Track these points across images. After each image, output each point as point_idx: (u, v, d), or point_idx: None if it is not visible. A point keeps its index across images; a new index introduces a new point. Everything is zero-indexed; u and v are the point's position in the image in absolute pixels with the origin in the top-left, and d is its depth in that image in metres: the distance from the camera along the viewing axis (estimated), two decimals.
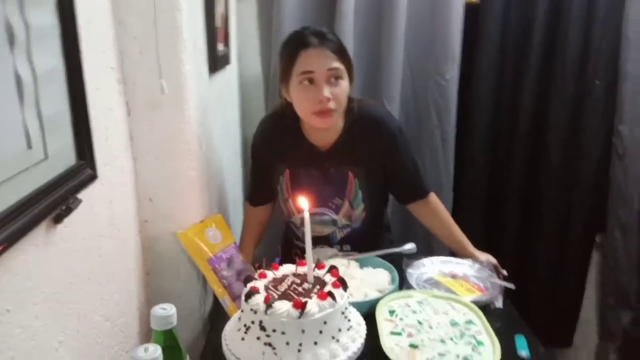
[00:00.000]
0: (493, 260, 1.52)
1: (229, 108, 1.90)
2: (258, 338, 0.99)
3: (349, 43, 1.87)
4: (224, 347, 1.05)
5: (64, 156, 0.83)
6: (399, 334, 1.16)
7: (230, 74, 1.87)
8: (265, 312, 0.98)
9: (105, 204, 1.02)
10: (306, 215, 1.07)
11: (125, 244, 1.14)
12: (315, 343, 0.98)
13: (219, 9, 1.60)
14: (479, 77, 2.11)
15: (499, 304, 1.33)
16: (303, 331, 0.97)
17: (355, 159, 1.50)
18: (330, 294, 1.01)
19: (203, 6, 1.42)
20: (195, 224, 1.31)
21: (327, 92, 1.36)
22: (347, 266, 1.42)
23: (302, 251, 1.12)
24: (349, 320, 1.06)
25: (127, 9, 1.09)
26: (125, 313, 1.12)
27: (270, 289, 1.05)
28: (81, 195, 0.87)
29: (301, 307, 0.97)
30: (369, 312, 1.20)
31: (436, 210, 1.60)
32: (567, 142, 2.13)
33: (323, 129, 1.45)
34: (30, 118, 0.72)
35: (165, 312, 0.85)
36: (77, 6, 0.85)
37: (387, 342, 1.12)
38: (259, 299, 1.00)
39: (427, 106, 2.08)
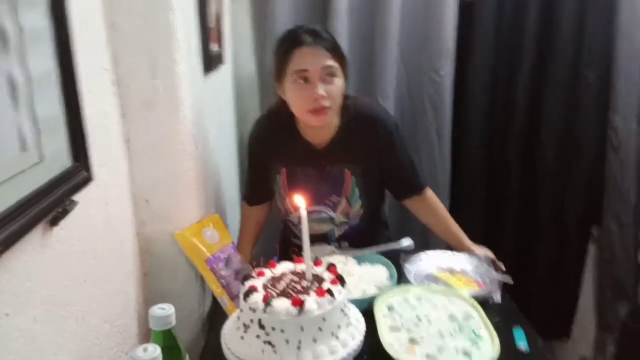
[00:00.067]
0: (490, 253, 1.53)
1: (224, 108, 1.90)
2: (257, 336, 0.99)
3: (343, 41, 1.87)
4: (224, 347, 1.05)
5: (59, 158, 0.83)
6: (398, 329, 1.16)
7: (224, 73, 1.87)
8: (264, 310, 0.98)
9: (101, 206, 1.02)
10: (303, 213, 1.08)
11: (122, 245, 1.14)
12: (315, 340, 0.98)
13: (212, 9, 1.60)
14: (474, 73, 2.12)
15: (497, 298, 1.33)
16: (302, 329, 0.97)
17: (351, 156, 1.50)
18: (328, 291, 1.01)
19: (196, 6, 1.42)
20: (193, 225, 1.31)
21: (321, 90, 1.37)
22: (345, 263, 1.42)
23: (300, 249, 1.12)
24: (348, 317, 1.06)
25: (120, 10, 1.09)
26: (124, 314, 1.12)
27: (269, 287, 1.05)
28: (77, 197, 0.87)
29: (300, 304, 0.97)
30: (367, 309, 1.20)
31: (432, 205, 1.61)
32: (562, 136, 2.14)
33: (318, 126, 1.45)
34: (24, 120, 0.72)
35: (164, 312, 0.85)
36: (69, 8, 0.85)
37: (387, 338, 1.12)
38: (257, 298, 1.00)
39: (423, 103, 2.08)
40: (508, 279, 1.40)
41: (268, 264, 1.14)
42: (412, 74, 2.08)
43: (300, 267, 1.12)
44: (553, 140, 2.15)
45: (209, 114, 1.48)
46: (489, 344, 1.10)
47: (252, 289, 1.03)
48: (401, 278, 1.39)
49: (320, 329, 0.99)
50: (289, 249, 1.64)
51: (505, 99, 2.15)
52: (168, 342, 0.85)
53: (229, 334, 1.07)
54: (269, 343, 0.98)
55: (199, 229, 1.32)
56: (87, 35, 0.96)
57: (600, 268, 2.29)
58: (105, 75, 1.07)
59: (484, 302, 1.29)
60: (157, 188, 1.23)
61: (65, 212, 0.82)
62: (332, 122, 1.47)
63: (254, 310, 0.99)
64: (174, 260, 1.29)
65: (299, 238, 1.59)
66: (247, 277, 1.10)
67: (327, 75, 1.38)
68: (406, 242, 1.52)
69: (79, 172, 0.88)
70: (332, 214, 1.55)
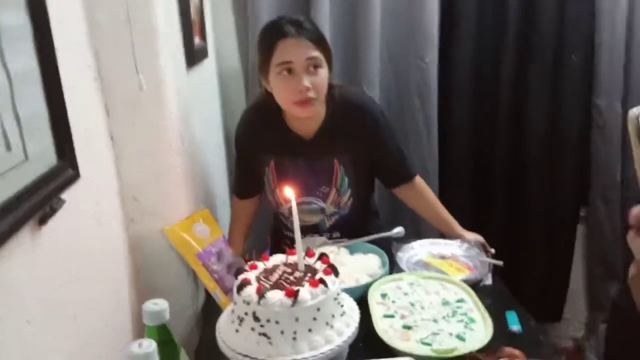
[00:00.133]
0: (480, 238, 1.54)
1: (210, 102, 1.89)
2: (252, 329, 0.99)
3: (326, 30, 1.86)
4: (219, 340, 1.05)
5: (45, 157, 0.82)
6: (392, 316, 1.17)
7: (208, 67, 1.85)
8: (258, 302, 0.98)
9: (89, 204, 1.01)
10: (293, 204, 1.07)
11: (112, 243, 1.13)
12: (310, 330, 0.99)
13: (194, 1, 1.58)
14: (458, 58, 2.12)
15: (488, 281, 1.35)
16: (297, 319, 0.97)
17: (339, 146, 1.50)
18: (321, 280, 1.01)
19: None
20: (183, 220, 1.30)
21: (306, 81, 1.36)
22: (337, 253, 1.42)
23: (292, 241, 1.12)
24: (342, 306, 1.06)
25: (100, 6, 1.07)
26: (117, 312, 1.11)
27: (262, 280, 1.05)
28: (64, 195, 0.86)
29: (294, 295, 0.97)
30: (361, 297, 1.20)
31: (422, 192, 1.62)
32: (548, 119, 2.15)
33: (305, 118, 1.45)
34: (7, 120, 0.71)
35: (157, 307, 0.85)
36: (48, 5, 0.83)
37: (381, 325, 1.13)
38: (251, 290, 1.00)
39: (409, 90, 2.08)
40: (499, 262, 1.41)
41: (260, 256, 1.14)
42: (397, 62, 2.07)
43: (292, 258, 1.12)
44: (539, 123, 2.16)
45: (194, 108, 1.46)
46: (482, 327, 1.12)
47: (246, 282, 1.03)
48: (393, 266, 1.40)
49: (314, 319, 0.99)
50: (281, 241, 1.64)
51: (490, 83, 2.15)
52: (163, 337, 0.85)
53: (224, 327, 1.07)
54: (264, 335, 0.98)
55: (189, 224, 1.31)
56: (67, 32, 0.94)
57: (590, 248, 2.32)
58: (88, 72, 1.06)
59: (476, 286, 1.30)
60: (145, 185, 1.22)
61: (53, 211, 0.81)
62: (318, 112, 1.47)
63: (248, 303, 0.99)
64: (165, 256, 1.28)
65: (290, 230, 1.59)
66: (239, 270, 1.10)
67: (312, 66, 1.37)
68: (397, 229, 1.52)
69: (65, 169, 0.87)
70: (322, 204, 1.55)
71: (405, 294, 1.25)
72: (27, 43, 0.79)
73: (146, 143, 1.19)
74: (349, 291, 1.17)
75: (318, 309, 0.99)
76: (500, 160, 2.22)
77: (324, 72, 1.40)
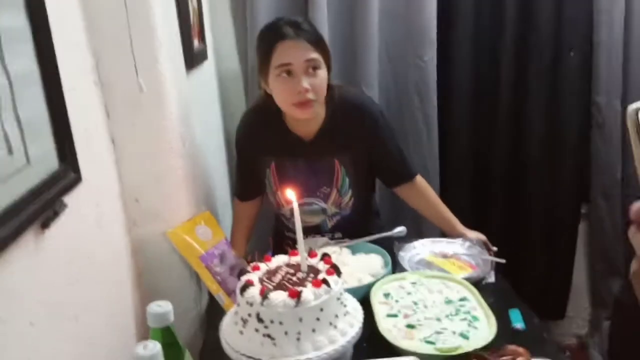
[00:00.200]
0: (482, 237, 1.54)
1: (210, 104, 1.89)
2: (256, 330, 0.99)
3: (324, 31, 1.86)
4: (223, 342, 1.04)
5: (47, 160, 0.82)
6: (395, 315, 1.17)
7: (208, 69, 1.85)
8: (262, 303, 0.98)
9: (91, 207, 1.01)
10: (295, 205, 1.07)
11: (115, 245, 1.13)
12: (314, 330, 0.98)
13: (192, 4, 1.58)
14: (457, 58, 2.12)
15: (491, 279, 1.35)
16: (300, 320, 0.97)
17: (339, 146, 1.50)
18: (324, 281, 1.01)
19: (175, 2, 1.40)
20: (185, 222, 1.30)
21: (305, 83, 1.36)
22: (340, 253, 1.42)
23: (294, 242, 1.12)
24: (345, 306, 1.06)
25: (99, 8, 1.07)
26: (120, 314, 1.11)
27: (265, 281, 1.05)
28: (66, 198, 0.86)
29: (297, 296, 0.97)
30: (364, 297, 1.20)
31: (423, 191, 1.62)
32: (548, 117, 2.15)
33: (305, 119, 1.45)
34: (8, 123, 0.71)
35: (161, 309, 0.85)
36: (47, 8, 0.83)
37: (384, 325, 1.13)
38: (254, 292, 1.00)
39: (408, 90, 2.08)
40: (501, 259, 1.41)
41: (263, 258, 1.14)
42: (396, 61, 2.08)
43: (295, 259, 1.12)
44: (539, 122, 2.16)
45: (194, 111, 1.46)
46: (486, 325, 1.12)
47: (249, 283, 1.03)
48: (395, 266, 1.40)
49: (318, 319, 0.99)
50: (283, 243, 1.64)
51: (489, 81, 2.15)
52: (167, 339, 0.84)
53: (228, 329, 1.07)
54: (268, 336, 0.98)
55: (191, 226, 1.31)
56: (67, 33, 0.94)
57: (591, 245, 2.32)
58: (88, 74, 1.06)
59: (478, 284, 1.30)
60: (147, 187, 1.22)
61: (56, 214, 0.81)
62: (318, 113, 1.47)
63: (251, 304, 0.99)
64: (167, 259, 1.28)
65: (292, 231, 1.59)
66: (242, 272, 1.10)
67: (311, 68, 1.37)
68: (398, 229, 1.52)
69: (67, 173, 0.87)
70: (323, 205, 1.55)
71: (408, 293, 1.25)
72: (27, 45, 0.79)
73: (147, 145, 1.19)
74: (352, 291, 1.17)
75: (321, 309, 0.99)
76: (500, 159, 2.22)
77: (322, 73, 1.40)
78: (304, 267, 1.08)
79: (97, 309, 0.99)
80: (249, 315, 1.00)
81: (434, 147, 2.13)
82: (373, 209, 1.72)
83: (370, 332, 1.09)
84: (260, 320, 0.98)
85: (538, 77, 2.11)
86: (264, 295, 0.98)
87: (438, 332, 1.10)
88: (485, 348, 1.03)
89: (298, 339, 0.98)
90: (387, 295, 1.25)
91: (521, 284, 1.77)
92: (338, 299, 1.03)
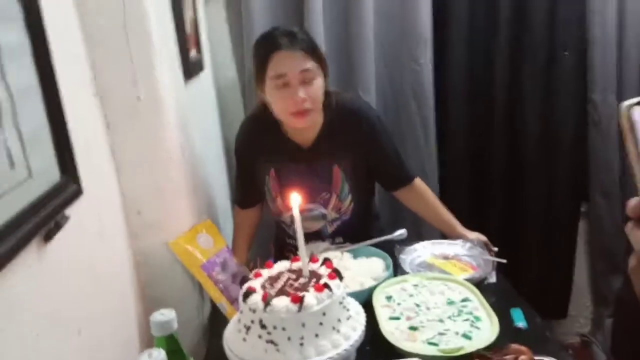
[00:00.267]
0: (483, 237, 1.54)
1: (208, 113, 1.90)
2: (259, 337, 0.99)
3: (320, 38, 1.87)
4: (226, 350, 1.05)
5: (48, 173, 0.83)
6: (397, 318, 1.18)
7: (205, 79, 1.86)
8: (265, 310, 0.98)
9: (93, 219, 1.01)
10: (295, 210, 1.08)
11: (117, 257, 1.13)
12: (317, 335, 0.99)
13: (188, 14, 1.59)
14: (451, 60, 2.13)
15: (492, 279, 1.35)
16: (303, 325, 0.98)
17: (338, 152, 1.51)
18: (326, 285, 1.01)
19: (171, 12, 1.41)
20: (186, 232, 1.31)
21: (301, 93, 1.37)
22: (341, 258, 1.43)
23: (295, 249, 1.12)
24: (347, 310, 1.06)
25: (96, 20, 1.08)
26: (124, 326, 1.11)
27: (267, 287, 1.05)
28: (68, 211, 0.87)
29: (299, 301, 0.97)
30: (367, 301, 1.20)
31: (423, 194, 1.62)
32: (544, 117, 2.16)
33: (302, 128, 1.46)
34: (10, 137, 0.72)
35: (164, 317, 0.85)
36: (45, 22, 0.84)
37: (387, 327, 1.13)
38: (257, 298, 1.00)
39: (405, 93, 2.09)
40: (502, 260, 1.41)
41: (264, 264, 1.14)
42: (392, 65, 2.08)
43: (296, 265, 1.12)
44: (535, 123, 2.17)
45: (193, 120, 1.47)
46: (488, 325, 1.12)
47: (251, 290, 1.03)
48: (397, 269, 1.40)
49: (321, 323, 0.99)
50: (284, 249, 1.64)
51: (485, 82, 2.16)
52: (171, 346, 0.85)
53: (231, 337, 1.07)
54: (272, 342, 0.98)
55: (193, 235, 1.32)
56: (65, 47, 0.95)
57: (592, 243, 2.32)
58: (87, 87, 1.07)
59: (480, 284, 1.31)
60: (148, 198, 1.22)
61: (58, 227, 0.82)
62: (315, 121, 1.48)
63: (254, 311, 0.99)
64: (170, 268, 1.28)
65: (293, 238, 1.60)
66: (244, 279, 1.10)
67: (307, 77, 1.38)
68: (399, 232, 1.53)
69: (68, 185, 0.88)
70: (323, 210, 1.55)
71: (410, 295, 1.26)
72: (27, 59, 0.80)
73: (146, 155, 1.20)
74: (354, 295, 1.17)
75: (324, 314, 0.99)
76: (498, 160, 2.22)
77: (319, 81, 1.41)
78: (306, 272, 1.09)
79: (100, 321, 1.00)
80: (252, 321, 1.00)
81: (431, 149, 2.13)
82: (373, 213, 1.73)
83: (373, 335, 1.10)
84: (263, 326, 0.99)
85: (533, 77, 2.12)
86: (266, 301, 0.98)
87: (441, 334, 1.11)
88: (488, 348, 1.04)
89: (301, 344, 0.98)
90: (389, 298, 1.25)
91: (522, 284, 1.78)
92: (340, 303, 1.04)
